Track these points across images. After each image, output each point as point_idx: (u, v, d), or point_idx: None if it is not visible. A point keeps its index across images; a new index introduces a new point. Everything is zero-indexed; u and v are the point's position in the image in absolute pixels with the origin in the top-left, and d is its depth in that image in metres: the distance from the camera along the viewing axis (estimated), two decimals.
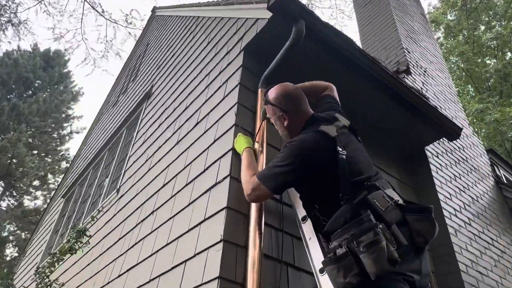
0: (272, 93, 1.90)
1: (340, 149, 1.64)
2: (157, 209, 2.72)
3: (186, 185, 2.45)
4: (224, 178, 2.05)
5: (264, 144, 2.21)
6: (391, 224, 1.44)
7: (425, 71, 5.48)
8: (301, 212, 1.90)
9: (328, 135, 1.69)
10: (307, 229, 1.83)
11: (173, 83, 4.12)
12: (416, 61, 5.43)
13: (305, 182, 1.67)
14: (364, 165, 1.70)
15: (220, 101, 2.64)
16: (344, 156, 1.63)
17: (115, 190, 3.99)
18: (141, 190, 3.26)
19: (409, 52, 5.44)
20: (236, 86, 2.51)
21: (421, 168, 3.65)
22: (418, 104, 3.23)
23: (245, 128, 2.30)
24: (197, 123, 2.85)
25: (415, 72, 5.09)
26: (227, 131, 2.31)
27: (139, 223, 2.91)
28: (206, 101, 2.91)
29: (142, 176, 3.45)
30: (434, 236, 1.52)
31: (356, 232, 1.38)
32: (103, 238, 3.52)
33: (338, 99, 2.11)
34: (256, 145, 2.17)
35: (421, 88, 4.44)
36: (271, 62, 2.51)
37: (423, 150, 3.73)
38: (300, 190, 1.78)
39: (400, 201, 1.58)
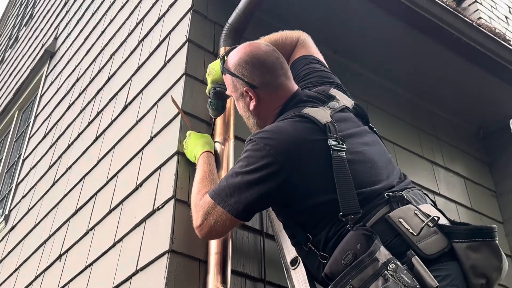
0: (234, 56, 1.93)
1: (334, 143, 1.67)
2: (65, 252, 2.80)
3: (109, 212, 2.52)
4: (165, 202, 2.10)
5: (231, 140, 2.27)
6: (429, 256, 1.48)
7: None
8: (290, 252, 1.95)
9: (315, 122, 1.72)
10: (299, 278, 1.88)
11: (88, 35, 4.15)
12: None
13: (287, 198, 1.70)
14: (381, 166, 1.74)
15: (160, 70, 2.68)
16: (342, 154, 1.66)
17: (2, 217, 4.07)
18: (42, 220, 3.34)
19: None
20: (184, 44, 2.54)
21: (502, 155, 3.76)
22: (493, 53, 3.29)
23: (198, 117, 2.34)
24: (126, 106, 2.89)
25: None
26: (170, 122, 2.36)
27: (40, 274, 3.00)
28: (138, 68, 2.95)
29: (43, 195, 3.52)
30: (502, 274, 1.55)
31: (355, 284, 1.42)
32: None
33: (323, 59, 2.14)
34: (218, 146, 2.22)
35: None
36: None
37: (506, 125, 3.81)
38: (281, 212, 1.82)
39: (444, 220, 1.61)
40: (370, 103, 3.15)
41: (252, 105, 1.87)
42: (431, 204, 1.72)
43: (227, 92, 2.01)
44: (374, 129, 1.91)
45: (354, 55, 3.25)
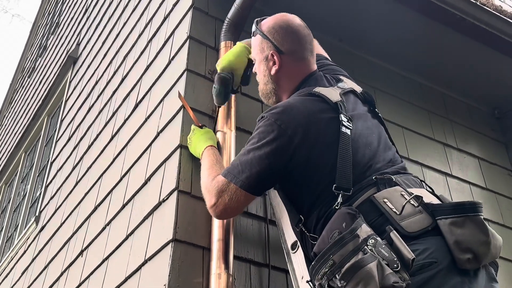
0: (270, 20, 2.03)
1: (345, 120, 1.75)
2: (86, 247, 2.93)
3: (123, 207, 2.62)
4: (170, 194, 2.18)
5: (232, 132, 2.33)
6: (410, 234, 1.51)
7: None
8: (290, 236, 1.98)
9: (326, 101, 1.80)
10: (299, 261, 1.94)
11: (105, 38, 4.27)
12: None
13: (293, 172, 1.75)
14: (379, 150, 1.80)
15: (165, 67, 2.77)
16: (348, 131, 1.73)
17: (34, 219, 4.23)
18: (67, 219, 3.48)
19: None
20: (185, 41, 2.62)
21: None
22: (501, 32, 3.27)
23: (200, 110, 2.41)
24: (137, 105, 2.99)
25: None
26: (173, 117, 2.44)
27: (65, 270, 3.13)
28: (147, 67, 3.05)
29: (68, 195, 3.66)
30: (492, 249, 1.54)
31: (336, 259, 1.44)
32: None
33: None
34: (220, 136, 2.28)
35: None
36: None
37: None
38: (284, 190, 1.88)
39: (430, 199, 1.63)
40: (378, 89, 3.18)
41: (274, 69, 1.96)
42: (427, 190, 1.73)
43: (251, 55, 2.11)
44: (379, 114, 1.98)
45: (359, 42, 3.28)
